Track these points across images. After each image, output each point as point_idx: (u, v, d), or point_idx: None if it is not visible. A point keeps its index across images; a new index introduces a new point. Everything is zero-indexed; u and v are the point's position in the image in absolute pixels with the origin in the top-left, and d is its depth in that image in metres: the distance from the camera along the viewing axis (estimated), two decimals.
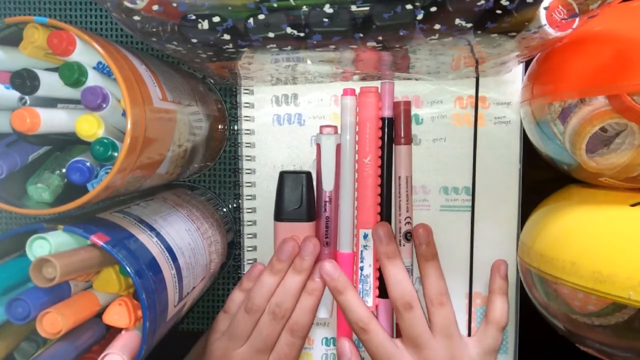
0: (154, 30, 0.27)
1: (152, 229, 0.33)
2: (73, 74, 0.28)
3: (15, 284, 0.30)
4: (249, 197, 0.42)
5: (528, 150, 0.39)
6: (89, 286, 0.31)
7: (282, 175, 0.39)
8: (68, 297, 0.30)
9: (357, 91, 0.39)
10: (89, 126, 0.28)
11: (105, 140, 0.28)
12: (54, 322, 0.27)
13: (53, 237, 0.28)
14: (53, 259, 0.26)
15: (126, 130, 0.27)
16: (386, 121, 0.39)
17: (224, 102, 0.44)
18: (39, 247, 0.28)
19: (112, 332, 0.32)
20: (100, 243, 0.28)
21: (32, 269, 0.26)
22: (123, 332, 0.30)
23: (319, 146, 0.39)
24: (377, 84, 0.40)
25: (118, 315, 0.29)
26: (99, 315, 0.30)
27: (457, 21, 0.25)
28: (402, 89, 0.40)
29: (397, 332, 0.41)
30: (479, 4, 0.24)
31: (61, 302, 0.29)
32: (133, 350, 0.29)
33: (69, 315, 0.28)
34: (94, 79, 0.29)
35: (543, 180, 0.40)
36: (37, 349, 0.31)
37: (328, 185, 0.39)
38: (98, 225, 0.30)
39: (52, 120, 0.28)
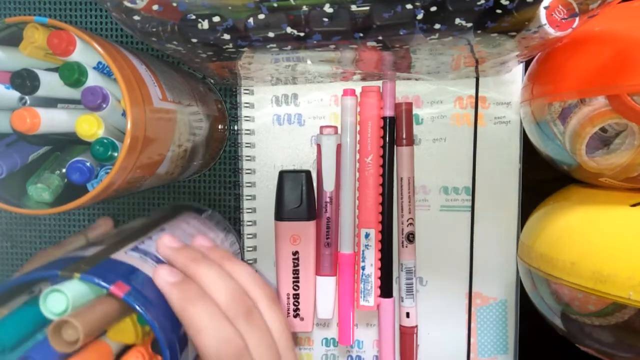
0: (154, 30, 0.27)
1: None
2: (73, 74, 0.28)
3: (24, 335, 0.26)
4: (249, 197, 0.42)
5: (528, 150, 0.39)
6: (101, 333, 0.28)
7: (282, 174, 0.39)
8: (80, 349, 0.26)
9: (357, 91, 0.39)
10: (89, 126, 0.28)
11: (105, 140, 0.28)
12: None
13: (69, 289, 0.25)
14: (75, 320, 0.23)
15: (126, 130, 0.27)
16: (387, 120, 0.39)
17: (224, 102, 0.44)
18: (54, 301, 0.24)
19: None
20: (122, 295, 0.25)
21: (50, 332, 0.23)
22: None
23: (319, 146, 0.39)
24: (377, 84, 0.40)
25: None
26: None
27: (457, 21, 0.25)
28: (403, 89, 0.40)
29: (401, 338, 0.41)
30: (479, 3, 0.24)
31: (73, 357, 0.25)
32: None
33: None
34: (94, 79, 0.29)
35: (543, 180, 0.40)
36: None
37: (329, 185, 0.39)
38: (116, 271, 0.27)
39: (52, 120, 0.28)
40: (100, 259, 0.28)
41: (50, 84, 0.28)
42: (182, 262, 0.28)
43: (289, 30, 0.26)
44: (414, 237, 0.40)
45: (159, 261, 0.30)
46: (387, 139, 0.39)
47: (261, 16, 0.26)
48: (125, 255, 0.29)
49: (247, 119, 0.41)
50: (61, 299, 0.24)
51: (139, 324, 0.27)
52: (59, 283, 0.25)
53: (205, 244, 0.30)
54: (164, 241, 0.29)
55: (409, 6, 0.24)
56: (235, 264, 0.29)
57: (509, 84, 0.40)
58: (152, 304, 0.26)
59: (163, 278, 0.26)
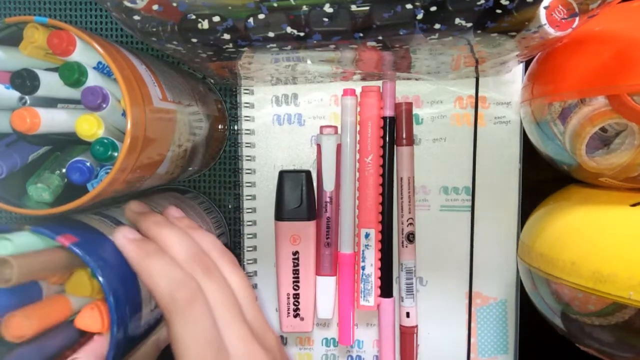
0: (154, 30, 0.27)
1: None
2: (73, 74, 0.28)
3: None
4: (249, 197, 0.42)
5: (528, 150, 0.39)
6: (63, 289, 0.30)
7: (282, 174, 0.39)
8: (38, 300, 0.28)
9: (358, 91, 0.39)
10: (89, 126, 0.28)
11: (105, 140, 0.28)
12: (19, 325, 0.26)
13: (17, 237, 0.27)
14: (10, 258, 0.25)
15: (126, 130, 0.27)
16: (387, 120, 0.39)
17: (224, 102, 0.44)
18: (0, 247, 0.26)
19: (87, 337, 0.29)
20: (67, 244, 0.26)
21: None
22: (95, 336, 0.28)
23: (319, 146, 0.39)
24: (377, 84, 0.40)
25: (90, 319, 0.27)
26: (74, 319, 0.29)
27: (457, 21, 0.25)
28: (403, 89, 0.40)
29: (401, 338, 0.41)
30: (479, 3, 0.24)
31: (30, 305, 0.27)
32: (102, 356, 0.27)
33: (36, 319, 0.26)
34: (94, 79, 0.29)
35: (543, 180, 0.40)
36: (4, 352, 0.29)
37: (329, 185, 0.39)
38: (69, 226, 0.28)
39: (52, 120, 0.28)
40: (58, 218, 0.30)
41: (50, 84, 0.28)
42: (146, 225, 0.28)
43: (289, 30, 0.26)
44: (414, 237, 0.40)
45: (118, 223, 0.31)
46: (387, 139, 0.39)
47: (261, 16, 0.26)
48: (85, 217, 0.31)
49: (247, 119, 0.41)
50: (7, 245, 0.26)
51: (95, 278, 0.28)
52: (9, 234, 0.27)
53: (176, 214, 0.30)
54: (131, 206, 0.30)
55: (409, 6, 0.24)
56: (200, 233, 0.29)
57: (509, 84, 0.40)
58: (102, 258, 0.27)
59: (122, 234, 0.27)
